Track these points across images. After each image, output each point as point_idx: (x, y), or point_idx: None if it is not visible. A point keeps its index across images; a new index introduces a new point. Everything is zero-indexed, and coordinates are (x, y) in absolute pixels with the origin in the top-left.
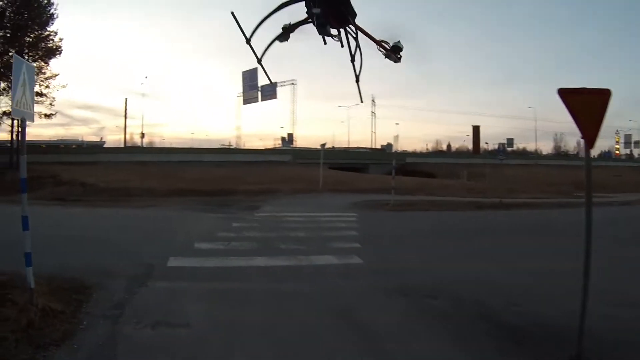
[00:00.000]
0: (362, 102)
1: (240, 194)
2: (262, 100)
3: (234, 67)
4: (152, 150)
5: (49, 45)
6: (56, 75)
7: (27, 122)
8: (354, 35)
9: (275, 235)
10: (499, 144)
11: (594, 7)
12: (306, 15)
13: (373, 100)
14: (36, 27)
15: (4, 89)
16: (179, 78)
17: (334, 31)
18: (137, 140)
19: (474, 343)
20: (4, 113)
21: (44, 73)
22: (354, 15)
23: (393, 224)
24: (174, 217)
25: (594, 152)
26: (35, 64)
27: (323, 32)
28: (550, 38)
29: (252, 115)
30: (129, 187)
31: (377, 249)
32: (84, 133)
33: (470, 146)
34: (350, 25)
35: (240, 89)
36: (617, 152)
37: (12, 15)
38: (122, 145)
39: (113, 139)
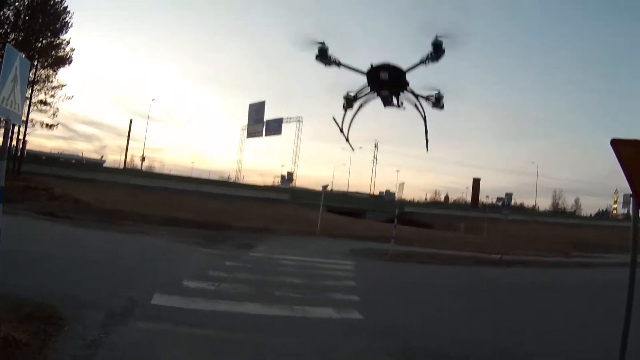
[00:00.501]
0: (427, 150)
1: (235, 229)
2: (266, 135)
3: (243, 99)
4: (150, 175)
5: (60, 53)
6: (63, 85)
7: (18, 126)
8: (413, 99)
9: (270, 280)
10: (504, 197)
11: (593, 70)
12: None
13: (376, 145)
14: (49, 34)
15: None
16: (186, 105)
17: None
18: (138, 162)
19: None
20: None
21: (51, 81)
22: (408, 83)
23: (393, 277)
24: (164, 248)
25: (592, 211)
26: (43, 72)
27: (386, 100)
28: (551, 98)
29: (255, 149)
30: (123, 210)
31: (378, 304)
32: (86, 149)
33: (468, 198)
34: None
35: (245, 122)
36: (615, 211)
37: (26, 18)
38: (122, 167)
39: (114, 158)
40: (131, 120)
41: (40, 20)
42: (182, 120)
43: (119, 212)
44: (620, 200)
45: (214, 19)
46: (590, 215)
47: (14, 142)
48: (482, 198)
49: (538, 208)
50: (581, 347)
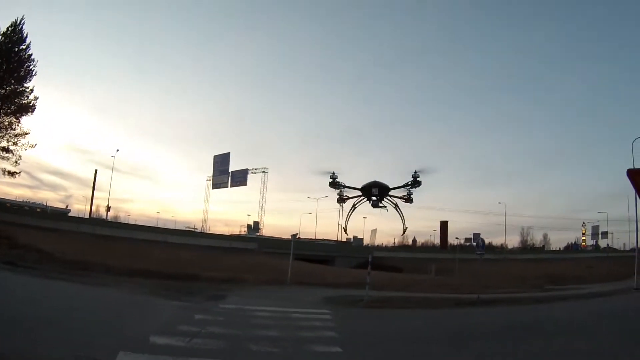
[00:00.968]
0: (405, 230)
1: (204, 280)
2: (232, 186)
3: (208, 151)
4: (116, 224)
5: (23, 101)
6: (27, 133)
7: None
8: (393, 201)
9: (244, 334)
10: (477, 238)
11: (562, 110)
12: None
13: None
14: (12, 81)
15: None
16: (150, 157)
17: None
18: (103, 212)
19: None
20: None
21: (14, 129)
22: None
23: (373, 325)
24: (130, 301)
25: (561, 244)
26: (6, 119)
27: (374, 204)
28: (519, 139)
29: (220, 200)
30: (87, 261)
31: (361, 356)
32: (51, 198)
33: (436, 241)
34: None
35: (211, 173)
36: (584, 243)
37: None
38: (87, 216)
39: (79, 207)
40: (96, 171)
41: (4, 67)
42: (147, 172)
43: (84, 263)
44: (589, 231)
45: (180, 75)
46: (559, 249)
47: None
48: (451, 240)
49: (506, 246)
50: None
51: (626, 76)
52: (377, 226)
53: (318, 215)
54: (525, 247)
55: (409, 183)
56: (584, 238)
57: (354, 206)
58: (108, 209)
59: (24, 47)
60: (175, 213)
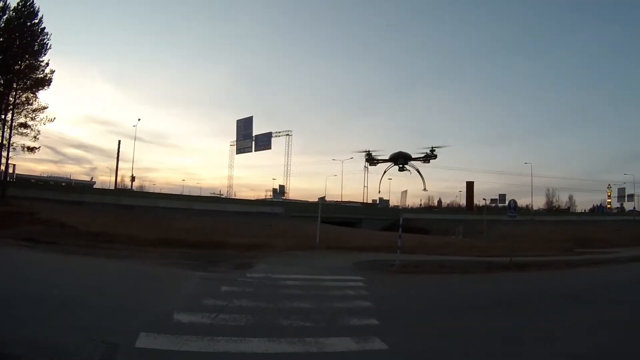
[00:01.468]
0: (424, 189)
1: (230, 247)
2: (255, 150)
3: (231, 116)
4: (140, 194)
5: (39, 75)
6: (44, 107)
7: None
8: (415, 166)
9: (274, 307)
10: (511, 200)
11: (581, 68)
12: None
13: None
14: (27, 56)
15: None
16: (173, 125)
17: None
18: (128, 182)
19: None
20: None
21: (31, 104)
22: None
23: (409, 292)
24: (153, 274)
25: (586, 206)
26: (23, 94)
27: (400, 169)
28: (540, 97)
29: (245, 165)
30: (111, 232)
31: (401, 329)
32: (76, 172)
33: (462, 202)
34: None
35: (234, 138)
36: (609, 206)
37: (3, 40)
38: (112, 187)
39: (104, 179)
40: (119, 141)
41: (18, 42)
42: (170, 140)
43: (107, 235)
44: (615, 194)
45: (199, 40)
46: (585, 210)
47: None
48: (477, 201)
49: (532, 207)
50: None
51: None
52: (402, 186)
53: (343, 177)
54: (551, 209)
55: (427, 154)
56: (609, 200)
57: (384, 172)
58: (133, 179)
59: (37, 20)
60: (200, 180)
